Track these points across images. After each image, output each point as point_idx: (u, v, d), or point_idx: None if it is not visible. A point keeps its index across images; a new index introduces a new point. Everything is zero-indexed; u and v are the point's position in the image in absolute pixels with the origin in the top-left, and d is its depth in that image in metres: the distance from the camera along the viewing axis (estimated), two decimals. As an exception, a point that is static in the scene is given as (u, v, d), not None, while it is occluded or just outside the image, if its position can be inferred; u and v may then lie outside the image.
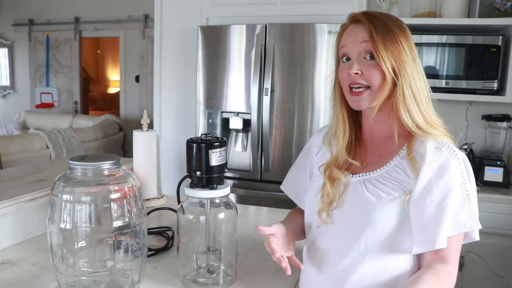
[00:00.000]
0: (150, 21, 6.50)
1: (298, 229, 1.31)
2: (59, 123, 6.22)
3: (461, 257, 2.64)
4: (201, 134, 1.23)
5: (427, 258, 1.09)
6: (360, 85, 1.10)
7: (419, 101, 1.10)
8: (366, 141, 1.22)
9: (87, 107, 8.25)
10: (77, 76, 7.34)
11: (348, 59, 1.13)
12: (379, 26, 1.09)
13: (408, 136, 1.12)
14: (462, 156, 1.09)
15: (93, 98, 9.26)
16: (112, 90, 9.82)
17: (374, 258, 1.10)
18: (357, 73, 1.10)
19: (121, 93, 7.15)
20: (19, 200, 1.54)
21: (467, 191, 1.06)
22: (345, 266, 1.13)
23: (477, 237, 1.11)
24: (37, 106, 7.43)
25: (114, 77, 9.71)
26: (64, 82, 7.42)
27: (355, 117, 1.22)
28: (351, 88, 1.12)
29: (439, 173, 1.06)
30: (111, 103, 9.12)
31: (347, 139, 1.20)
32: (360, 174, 1.15)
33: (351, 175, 1.17)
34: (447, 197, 1.04)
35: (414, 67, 1.09)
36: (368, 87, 1.10)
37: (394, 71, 1.07)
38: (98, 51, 9.75)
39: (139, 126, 2.06)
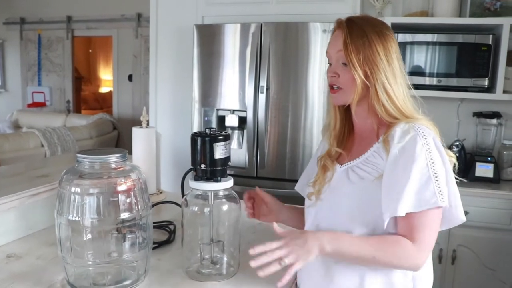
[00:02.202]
0: (143, 20, 6.52)
1: (292, 215, 1.45)
2: (52, 122, 6.21)
3: (453, 251, 2.70)
4: (205, 128, 1.27)
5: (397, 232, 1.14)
6: (336, 86, 1.23)
7: (394, 99, 1.18)
8: (356, 134, 1.31)
9: (79, 107, 8.23)
10: (70, 75, 7.32)
11: (330, 63, 1.26)
12: (354, 33, 1.18)
13: (388, 126, 1.19)
14: (433, 137, 1.13)
15: (85, 97, 9.23)
16: (104, 89, 9.79)
17: None
18: (334, 76, 1.22)
19: (114, 92, 7.14)
20: (22, 195, 1.57)
21: (434, 169, 1.09)
22: None
23: (462, 217, 1.16)
24: (29, 105, 7.40)
25: (106, 76, 9.69)
26: (56, 81, 7.39)
27: (348, 114, 1.32)
28: (331, 87, 1.25)
29: (404, 151, 1.11)
30: (103, 103, 9.11)
31: (338, 130, 1.32)
32: (345, 164, 1.25)
33: (339, 165, 1.27)
34: (411, 173, 1.08)
35: (388, 69, 1.18)
36: (341, 88, 1.22)
37: (367, 75, 1.17)
38: (90, 50, 9.72)
39: (132, 125, 2.08)
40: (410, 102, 1.21)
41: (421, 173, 1.08)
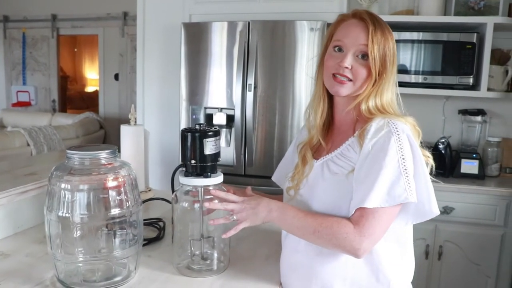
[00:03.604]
0: (130, 18, 6.49)
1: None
2: (38, 121, 6.15)
3: (440, 247, 2.73)
4: (195, 124, 1.27)
5: None
6: (345, 77, 1.20)
7: (379, 99, 1.19)
8: (335, 127, 1.32)
9: (65, 106, 8.15)
10: (55, 74, 7.25)
11: (340, 50, 1.22)
12: (379, 30, 1.19)
13: (366, 121, 1.20)
14: (407, 134, 1.13)
15: (71, 96, 9.14)
16: (89, 88, 9.72)
17: None
18: (347, 67, 1.19)
19: (100, 91, 7.10)
20: (10, 193, 1.56)
21: (404, 165, 1.09)
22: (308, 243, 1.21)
23: (436, 211, 1.15)
24: (14, 105, 7.31)
25: (91, 75, 9.61)
26: (42, 80, 7.32)
27: (330, 105, 1.32)
28: (334, 75, 1.22)
29: (377, 147, 1.12)
30: (89, 102, 9.03)
31: (324, 119, 1.31)
32: (322, 158, 1.26)
33: (315, 160, 1.28)
34: (383, 168, 1.09)
35: (391, 71, 1.20)
36: (350, 80, 1.20)
37: (378, 72, 1.18)
38: (75, 49, 9.63)
39: (119, 124, 2.08)
40: (396, 104, 1.23)
41: (392, 168, 1.09)
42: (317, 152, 1.30)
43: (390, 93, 1.21)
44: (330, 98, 1.31)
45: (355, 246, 1.09)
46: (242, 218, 1.17)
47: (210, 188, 1.27)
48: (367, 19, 1.19)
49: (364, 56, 1.19)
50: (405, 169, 1.09)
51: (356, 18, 1.22)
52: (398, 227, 1.19)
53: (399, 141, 1.11)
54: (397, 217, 1.15)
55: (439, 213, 1.16)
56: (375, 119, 1.16)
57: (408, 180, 1.09)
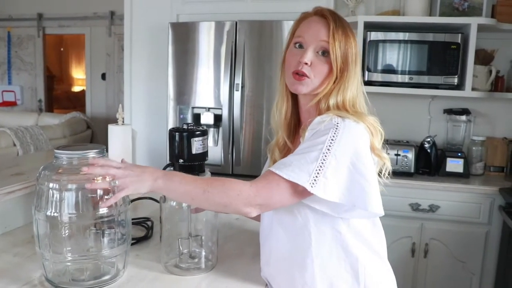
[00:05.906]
0: (116, 18, 6.46)
1: None
2: (24, 121, 6.08)
3: (426, 244, 2.77)
4: (183, 124, 1.28)
5: None
6: (304, 75, 1.18)
7: (340, 99, 1.17)
8: (301, 127, 1.28)
9: (52, 106, 8.08)
10: (41, 74, 7.18)
11: (301, 46, 1.20)
12: (340, 27, 1.17)
13: None
14: (353, 131, 1.10)
15: (58, 96, 9.06)
16: (76, 88, 9.65)
17: (282, 229, 1.21)
18: (307, 63, 1.17)
19: (87, 91, 7.05)
20: (-3, 193, 1.55)
21: (325, 157, 1.05)
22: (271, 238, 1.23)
23: (375, 210, 1.08)
24: (-1, 105, 7.24)
25: (78, 75, 9.55)
26: (28, 80, 7.25)
27: (297, 104, 1.30)
28: (294, 73, 1.19)
29: (311, 134, 1.11)
30: (76, 102, 8.95)
31: (288, 118, 1.29)
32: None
33: None
34: (307, 149, 1.08)
35: (353, 70, 1.18)
36: (309, 78, 1.18)
37: (340, 70, 1.16)
38: (62, 49, 9.55)
39: (106, 124, 2.08)
40: (361, 103, 1.20)
41: (314, 153, 1.06)
42: (287, 153, 1.27)
43: (352, 92, 1.18)
44: (295, 97, 1.28)
45: (246, 203, 1.07)
46: (124, 184, 1.08)
47: (90, 155, 1.20)
48: (328, 16, 1.17)
49: (325, 52, 1.17)
50: (323, 161, 1.05)
51: (318, 15, 1.20)
52: (364, 231, 1.19)
53: (335, 134, 1.08)
54: (346, 212, 1.12)
55: (381, 213, 1.10)
56: (324, 114, 1.15)
57: (319, 171, 1.05)
